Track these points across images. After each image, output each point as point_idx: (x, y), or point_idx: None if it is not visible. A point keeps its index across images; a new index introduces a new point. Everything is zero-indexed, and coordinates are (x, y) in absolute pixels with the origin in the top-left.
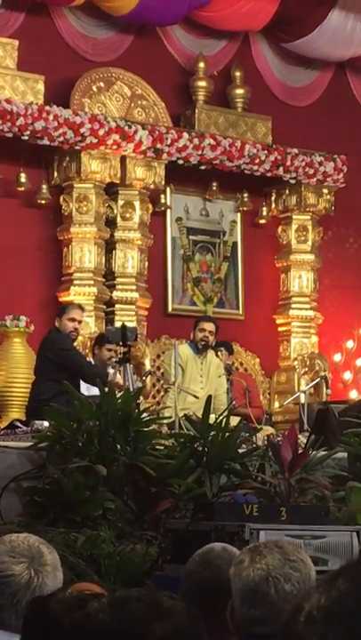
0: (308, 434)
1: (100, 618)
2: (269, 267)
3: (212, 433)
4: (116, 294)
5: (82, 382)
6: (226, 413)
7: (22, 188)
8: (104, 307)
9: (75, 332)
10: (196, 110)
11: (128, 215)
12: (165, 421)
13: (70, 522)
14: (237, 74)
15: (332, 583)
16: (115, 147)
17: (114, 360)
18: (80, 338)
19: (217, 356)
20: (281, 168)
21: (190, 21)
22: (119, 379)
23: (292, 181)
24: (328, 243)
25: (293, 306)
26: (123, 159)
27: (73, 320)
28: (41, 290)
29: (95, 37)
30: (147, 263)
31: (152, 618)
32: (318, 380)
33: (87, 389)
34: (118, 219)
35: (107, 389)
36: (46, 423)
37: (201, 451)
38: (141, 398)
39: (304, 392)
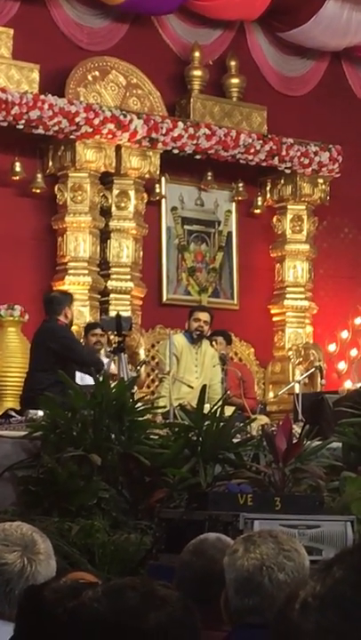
0: (303, 424)
1: (95, 607)
2: (264, 257)
3: (207, 423)
4: (110, 284)
5: (77, 372)
6: (220, 403)
7: (17, 178)
8: (99, 296)
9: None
10: (192, 100)
11: (123, 205)
12: (160, 411)
13: (64, 511)
14: (233, 63)
15: (327, 571)
16: (110, 136)
17: (108, 349)
18: (74, 327)
19: (212, 345)
20: (276, 158)
21: (186, 10)
22: (113, 368)
23: (288, 171)
24: (323, 233)
25: (288, 296)
26: (118, 148)
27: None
28: (35, 279)
29: (90, 26)
30: (141, 253)
31: (147, 607)
32: (313, 370)
33: (81, 379)
34: (113, 208)
35: (101, 379)
36: (41, 412)
37: (195, 440)
38: (136, 388)
39: (299, 382)
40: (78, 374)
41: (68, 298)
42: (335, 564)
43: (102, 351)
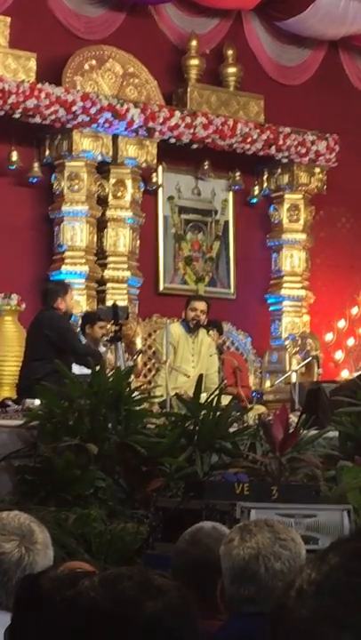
0: (300, 413)
1: (92, 596)
2: (261, 246)
3: (204, 412)
4: (107, 273)
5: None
6: (217, 392)
7: (14, 167)
8: (95, 285)
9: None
10: (189, 89)
11: (120, 194)
12: (157, 400)
13: (61, 500)
14: (230, 52)
15: (323, 559)
16: (107, 125)
17: (105, 339)
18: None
19: (208, 335)
20: (273, 147)
21: None
22: (110, 358)
23: (285, 160)
24: (320, 222)
25: (285, 285)
26: (115, 137)
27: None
28: (32, 268)
29: (87, 15)
30: (138, 242)
31: (143, 596)
32: (310, 359)
33: (79, 369)
34: (110, 197)
35: (98, 368)
36: (37, 402)
37: (192, 430)
38: (133, 377)
39: (295, 371)
40: (75, 365)
41: (62, 288)
42: (331, 551)
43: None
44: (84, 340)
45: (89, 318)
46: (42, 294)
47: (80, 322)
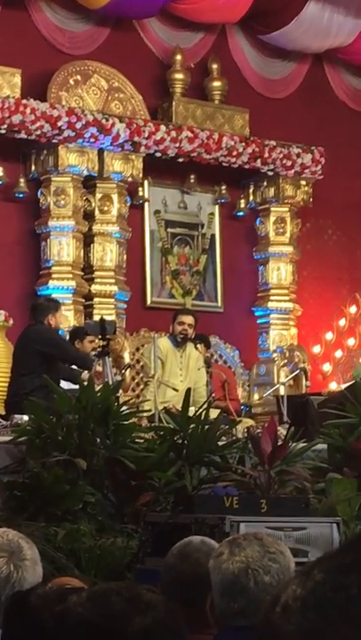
0: (288, 426)
1: (80, 611)
2: (248, 259)
3: (192, 426)
4: (94, 287)
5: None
6: (205, 406)
7: (0, 182)
8: (83, 300)
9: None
10: (174, 103)
11: (106, 208)
12: (145, 414)
13: (50, 516)
14: (214, 66)
15: (308, 574)
16: (92, 140)
17: (93, 353)
18: (61, 332)
19: (196, 348)
20: (259, 160)
21: (167, 14)
22: (98, 372)
23: (270, 173)
24: (306, 234)
25: (272, 298)
26: (100, 152)
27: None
28: (19, 284)
29: (72, 30)
30: (125, 256)
31: (132, 611)
32: (298, 371)
33: (67, 384)
34: (96, 212)
35: (86, 383)
36: (26, 417)
37: (181, 443)
38: (121, 392)
39: (283, 384)
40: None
41: (53, 305)
42: (316, 566)
43: None
44: None
45: (78, 333)
46: (32, 309)
47: (68, 337)
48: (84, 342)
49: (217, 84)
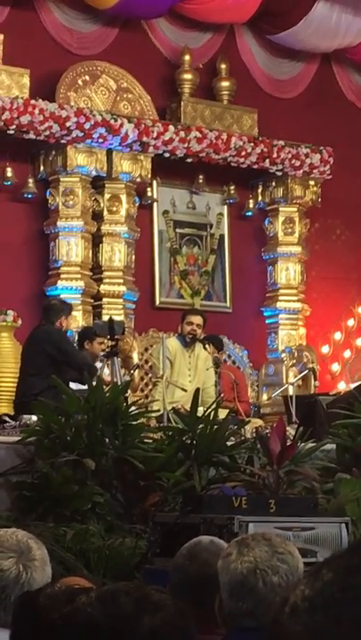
0: (297, 426)
1: (89, 612)
2: (256, 259)
3: (201, 426)
4: (103, 288)
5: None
6: (214, 406)
7: (9, 183)
8: (91, 300)
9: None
10: (182, 103)
11: (115, 209)
12: (154, 415)
13: (59, 516)
14: (223, 66)
15: (316, 575)
16: (101, 140)
17: (102, 354)
18: (70, 333)
19: (205, 348)
20: (267, 160)
21: (175, 14)
22: (106, 373)
23: (279, 173)
24: (315, 235)
25: (281, 298)
26: (109, 152)
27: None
28: (28, 284)
29: (80, 31)
30: (134, 257)
31: (140, 611)
32: (306, 371)
33: (76, 384)
34: (105, 212)
35: (95, 383)
36: (34, 417)
37: (189, 444)
38: (130, 392)
39: (292, 384)
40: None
41: (67, 308)
42: (324, 567)
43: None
44: None
45: (87, 334)
46: (45, 310)
47: (77, 338)
48: (93, 343)
49: (225, 84)
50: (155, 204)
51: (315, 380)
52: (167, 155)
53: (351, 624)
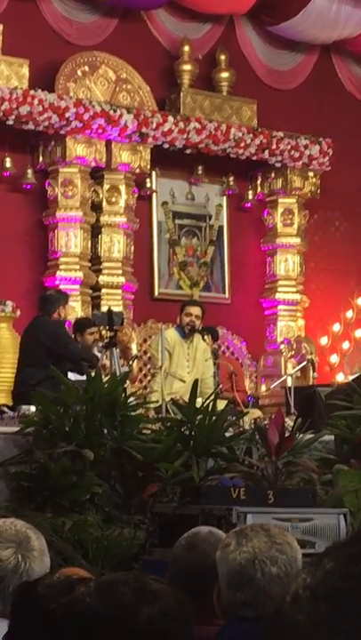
0: (295, 417)
1: (88, 602)
2: (255, 250)
3: (199, 417)
4: (102, 279)
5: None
6: (213, 397)
7: (8, 173)
8: (90, 291)
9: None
10: (182, 94)
11: (114, 199)
12: (152, 406)
13: (58, 506)
14: (222, 57)
15: (318, 564)
16: (100, 131)
17: (100, 345)
18: None
19: (203, 340)
20: (266, 151)
21: (175, 5)
22: (106, 363)
23: (278, 165)
24: (314, 226)
25: (280, 289)
26: (108, 143)
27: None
28: (27, 275)
29: (80, 21)
30: (133, 247)
31: (139, 601)
32: (305, 363)
33: (74, 375)
34: (104, 203)
35: (93, 374)
36: (33, 408)
37: (188, 435)
38: (128, 383)
39: (291, 375)
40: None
41: (63, 297)
42: (325, 556)
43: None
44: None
45: (79, 326)
46: (41, 301)
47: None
48: (84, 334)
49: (225, 75)
50: (154, 194)
51: (313, 371)
52: (166, 146)
53: (353, 613)
